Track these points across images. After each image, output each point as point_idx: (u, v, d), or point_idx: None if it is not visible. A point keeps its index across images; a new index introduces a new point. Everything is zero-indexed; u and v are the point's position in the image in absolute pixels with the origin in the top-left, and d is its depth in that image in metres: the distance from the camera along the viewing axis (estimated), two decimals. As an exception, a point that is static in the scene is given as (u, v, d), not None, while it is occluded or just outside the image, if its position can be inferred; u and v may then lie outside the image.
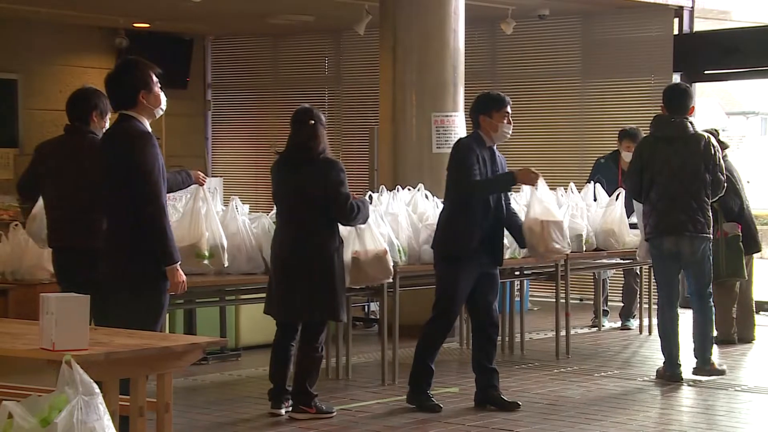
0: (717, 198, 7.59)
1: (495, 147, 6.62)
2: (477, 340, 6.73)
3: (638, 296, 9.78)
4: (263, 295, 6.62)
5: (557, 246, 6.95)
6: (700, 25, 11.60)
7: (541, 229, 6.85)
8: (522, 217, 6.93)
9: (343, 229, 6.62)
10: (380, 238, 6.89)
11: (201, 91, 14.31)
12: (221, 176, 12.50)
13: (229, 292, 7.13)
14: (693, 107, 7.53)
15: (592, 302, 10.52)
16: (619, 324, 9.99)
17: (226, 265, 6.61)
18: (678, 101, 7.37)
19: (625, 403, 6.82)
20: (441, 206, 7.77)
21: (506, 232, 6.77)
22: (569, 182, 8.97)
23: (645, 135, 7.90)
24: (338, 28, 13.02)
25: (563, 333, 8.49)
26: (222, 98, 14.52)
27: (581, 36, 11.88)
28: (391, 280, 7.04)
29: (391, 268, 6.91)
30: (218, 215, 6.75)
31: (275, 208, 6.57)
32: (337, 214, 6.36)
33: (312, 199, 6.29)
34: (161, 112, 5.36)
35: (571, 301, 8.68)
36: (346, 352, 7.64)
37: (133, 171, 5.13)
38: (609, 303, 10.21)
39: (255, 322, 8.42)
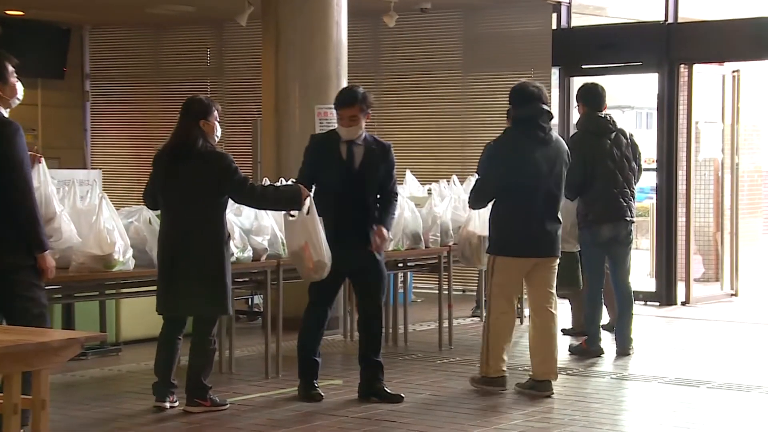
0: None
1: (363, 139, 6.58)
2: (363, 334, 6.78)
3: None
4: (144, 288, 6.52)
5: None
6: (577, 21, 11.82)
7: (479, 242, 7.03)
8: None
9: None
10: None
11: (79, 82, 13.99)
12: (101, 168, 12.26)
13: (109, 286, 7.00)
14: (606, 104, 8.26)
15: (475, 293, 10.65)
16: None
17: (132, 268, 6.56)
18: (600, 99, 8.12)
19: (507, 393, 6.91)
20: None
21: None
22: (452, 174, 9.06)
23: (574, 132, 8.50)
24: (220, 19, 12.88)
25: (446, 324, 8.57)
26: (101, 89, 14.23)
27: (463, 30, 12.00)
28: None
29: (308, 264, 6.55)
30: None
31: (161, 201, 6.42)
32: (241, 199, 6.37)
33: (204, 192, 6.22)
34: (17, 102, 5.44)
35: (453, 293, 8.78)
36: (229, 346, 7.58)
37: (2, 161, 5.09)
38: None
39: (136, 316, 8.30)
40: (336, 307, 9.33)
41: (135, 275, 6.71)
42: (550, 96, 11.30)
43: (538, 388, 6.77)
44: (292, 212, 6.42)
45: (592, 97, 8.10)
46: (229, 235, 6.44)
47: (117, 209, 6.79)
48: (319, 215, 6.41)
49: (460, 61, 12.02)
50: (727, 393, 6.91)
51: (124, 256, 6.48)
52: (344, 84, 9.48)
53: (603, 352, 8.09)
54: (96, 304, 7.92)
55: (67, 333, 4.96)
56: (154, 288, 6.43)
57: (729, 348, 8.77)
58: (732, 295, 11.61)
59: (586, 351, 8.09)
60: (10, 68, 5.35)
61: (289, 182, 6.99)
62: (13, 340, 4.04)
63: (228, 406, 6.41)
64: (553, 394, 6.74)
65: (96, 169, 12.31)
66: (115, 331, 8.33)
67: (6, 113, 5.31)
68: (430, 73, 12.09)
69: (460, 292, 10.73)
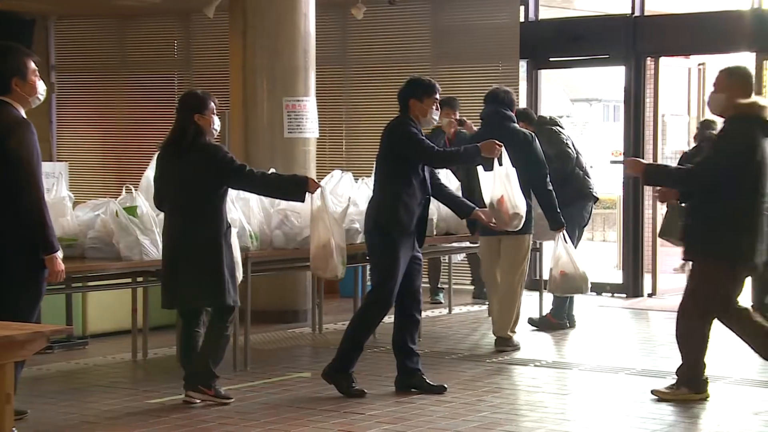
0: None
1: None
2: (401, 323, 6.68)
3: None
4: (111, 282, 6.49)
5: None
6: (544, 13, 11.86)
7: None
8: None
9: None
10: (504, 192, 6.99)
11: (44, 73, 13.80)
12: (67, 161, 12.16)
13: (76, 279, 6.96)
14: None
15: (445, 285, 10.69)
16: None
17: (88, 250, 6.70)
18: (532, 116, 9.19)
19: (475, 384, 6.94)
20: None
21: None
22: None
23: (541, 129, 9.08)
24: (187, 11, 12.81)
25: (414, 316, 8.56)
26: (67, 81, 14.12)
27: (431, 22, 12.00)
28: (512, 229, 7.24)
29: (505, 217, 7.01)
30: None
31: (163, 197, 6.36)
32: (241, 185, 6.40)
33: (199, 185, 6.18)
34: (39, 101, 5.36)
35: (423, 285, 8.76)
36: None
37: (10, 159, 5.06)
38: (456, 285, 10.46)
39: (103, 309, 8.26)
40: (304, 300, 9.36)
41: (101, 268, 6.67)
42: (517, 89, 11.49)
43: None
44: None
45: (529, 116, 9.01)
46: (229, 226, 6.38)
47: (83, 202, 6.79)
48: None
49: (428, 53, 12.02)
50: (693, 384, 6.94)
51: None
52: (312, 77, 9.47)
53: (568, 325, 8.81)
54: (62, 297, 7.87)
55: (33, 326, 4.91)
56: (122, 281, 6.39)
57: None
58: (698, 286, 11.68)
59: (551, 324, 8.79)
60: (31, 66, 5.27)
61: None
62: (-22, 334, 4.01)
63: (232, 400, 6.33)
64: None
65: (62, 161, 12.21)
66: (81, 325, 8.28)
67: (23, 112, 5.24)
68: (399, 65, 12.05)
69: (427, 285, 10.74)
